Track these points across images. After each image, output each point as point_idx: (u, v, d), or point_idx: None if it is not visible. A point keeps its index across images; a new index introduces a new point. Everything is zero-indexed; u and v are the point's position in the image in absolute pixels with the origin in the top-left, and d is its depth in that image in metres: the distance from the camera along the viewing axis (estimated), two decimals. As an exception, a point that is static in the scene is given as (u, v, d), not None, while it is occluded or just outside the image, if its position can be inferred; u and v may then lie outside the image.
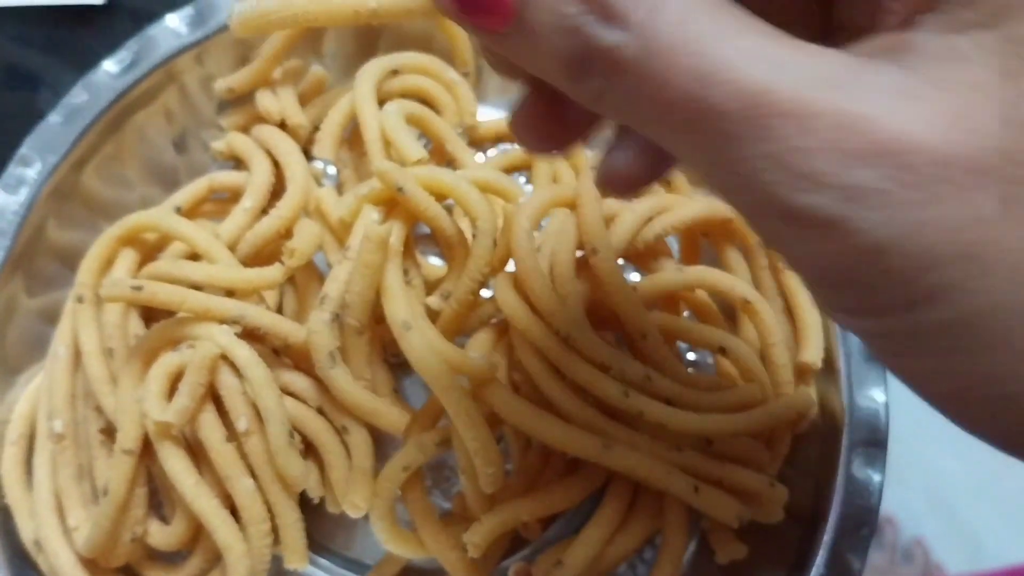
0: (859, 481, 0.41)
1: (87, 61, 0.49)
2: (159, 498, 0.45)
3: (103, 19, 0.57)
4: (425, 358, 0.40)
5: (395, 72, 0.51)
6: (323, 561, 0.48)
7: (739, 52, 0.18)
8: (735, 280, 0.45)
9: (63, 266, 0.47)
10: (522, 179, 0.54)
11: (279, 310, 0.47)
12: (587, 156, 0.51)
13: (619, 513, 0.42)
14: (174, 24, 0.49)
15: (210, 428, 0.41)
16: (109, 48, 0.49)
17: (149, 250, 0.46)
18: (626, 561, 0.43)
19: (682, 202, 0.47)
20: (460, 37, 0.51)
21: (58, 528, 0.43)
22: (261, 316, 0.43)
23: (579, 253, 0.44)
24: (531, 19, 0.19)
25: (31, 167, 0.46)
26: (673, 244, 0.50)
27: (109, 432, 0.44)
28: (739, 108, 0.17)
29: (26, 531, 0.43)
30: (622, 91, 0.19)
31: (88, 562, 0.43)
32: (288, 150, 0.48)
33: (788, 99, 0.17)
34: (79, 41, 0.57)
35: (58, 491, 0.44)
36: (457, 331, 0.45)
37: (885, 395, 0.43)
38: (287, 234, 0.46)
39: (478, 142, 0.53)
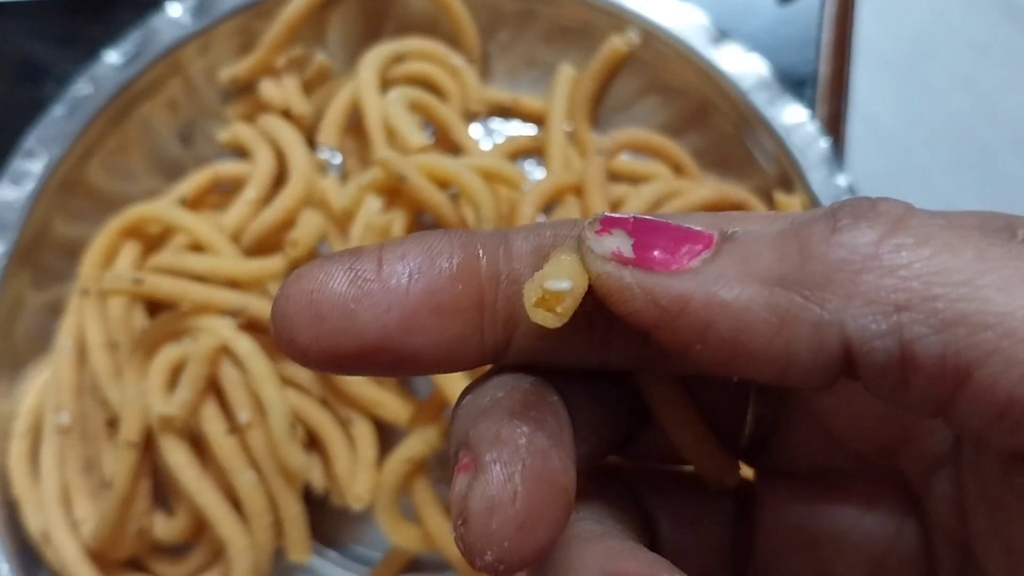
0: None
1: (95, 52, 0.48)
2: (164, 491, 0.45)
3: (112, 10, 0.57)
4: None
5: (399, 58, 0.50)
6: (332, 554, 0.47)
7: None
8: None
9: (69, 259, 0.47)
10: (527, 165, 0.53)
11: (284, 301, 0.47)
12: (594, 140, 0.50)
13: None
14: (176, 14, 0.49)
15: (212, 420, 0.41)
16: (116, 39, 0.49)
17: (153, 242, 0.46)
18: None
19: (691, 187, 0.46)
20: (464, 22, 0.51)
21: (65, 520, 0.43)
22: (263, 307, 0.43)
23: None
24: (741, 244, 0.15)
25: (36, 160, 0.46)
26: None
27: (115, 425, 0.44)
28: None
29: (34, 523, 0.43)
30: None
31: (95, 554, 0.43)
32: (291, 140, 0.48)
33: None
34: (88, 32, 0.57)
35: (65, 483, 0.44)
36: (461, 321, 0.44)
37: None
38: (290, 224, 0.46)
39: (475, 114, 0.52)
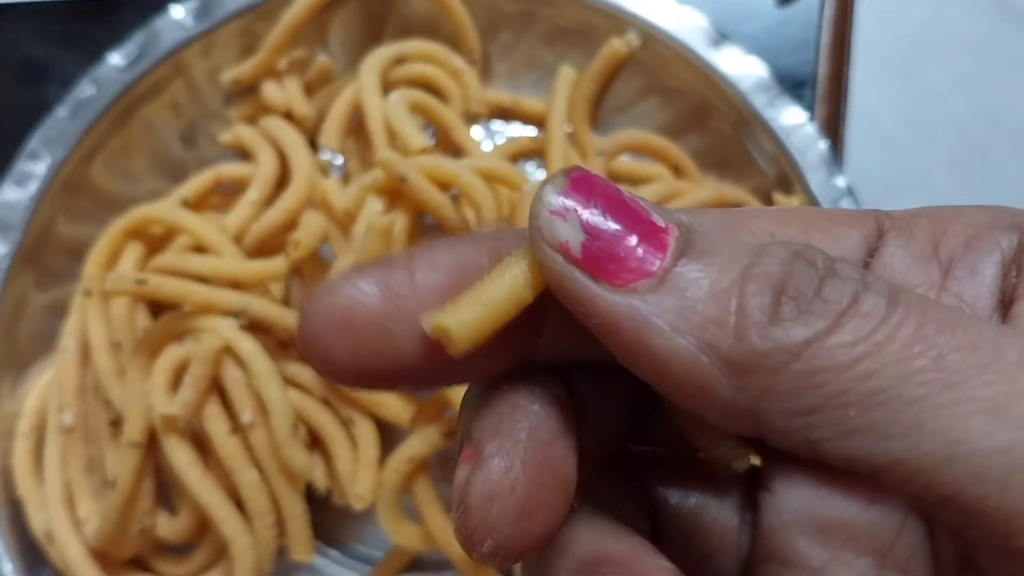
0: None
1: (97, 54, 0.49)
2: (168, 490, 0.45)
3: (115, 12, 0.58)
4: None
5: (401, 60, 0.50)
6: (334, 553, 0.48)
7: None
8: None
9: (73, 260, 0.48)
10: (528, 167, 0.53)
11: (286, 302, 0.47)
12: (594, 141, 0.50)
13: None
14: (179, 16, 0.49)
15: (215, 420, 0.41)
16: (119, 41, 0.49)
17: (156, 243, 0.46)
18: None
19: (691, 188, 0.46)
20: (465, 24, 0.51)
21: (68, 520, 0.43)
22: (266, 308, 0.43)
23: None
24: (687, 272, 0.15)
25: (39, 162, 0.47)
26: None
27: (118, 425, 0.44)
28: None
29: (37, 523, 0.44)
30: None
31: (98, 553, 0.43)
32: (293, 141, 0.48)
33: None
34: (90, 34, 0.57)
35: (69, 483, 0.44)
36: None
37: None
38: (292, 225, 0.46)
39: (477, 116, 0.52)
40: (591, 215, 0.15)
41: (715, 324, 0.15)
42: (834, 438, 0.14)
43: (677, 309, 0.15)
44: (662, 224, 0.15)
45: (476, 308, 0.16)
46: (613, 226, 0.15)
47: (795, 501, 0.19)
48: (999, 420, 0.14)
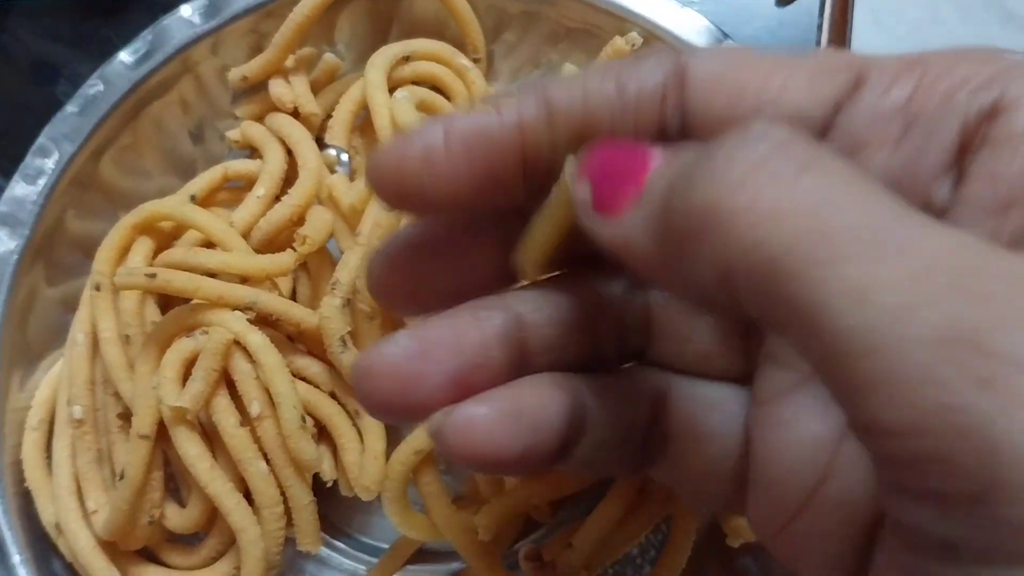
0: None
1: (107, 53, 0.49)
2: (176, 482, 0.45)
3: (125, 11, 0.58)
4: (434, 342, 0.40)
5: (407, 59, 0.51)
6: (339, 544, 0.48)
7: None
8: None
9: (82, 255, 0.48)
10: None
11: (293, 296, 0.48)
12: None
13: (629, 496, 0.42)
14: (187, 14, 0.49)
15: (224, 413, 0.42)
16: (128, 40, 0.50)
17: (165, 238, 0.47)
18: (636, 544, 0.43)
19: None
20: (471, 24, 0.51)
21: (78, 511, 0.44)
22: (274, 302, 0.44)
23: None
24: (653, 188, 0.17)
25: (49, 157, 0.47)
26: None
27: (127, 417, 0.45)
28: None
29: (46, 514, 0.44)
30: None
31: (107, 544, 0.43)
32: (300, 138, 0.48)
33: None
34: (100, 33, 0.58)
35: (78, 475, 0.45)
36: (468, 316, 0.45)
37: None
38: (300, 221, 0.46)
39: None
40: (593, 165, 0.19)
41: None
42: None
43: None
44: (640, 151, 0.18)
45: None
46: (608, 164, 0.18)
47: None
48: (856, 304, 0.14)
